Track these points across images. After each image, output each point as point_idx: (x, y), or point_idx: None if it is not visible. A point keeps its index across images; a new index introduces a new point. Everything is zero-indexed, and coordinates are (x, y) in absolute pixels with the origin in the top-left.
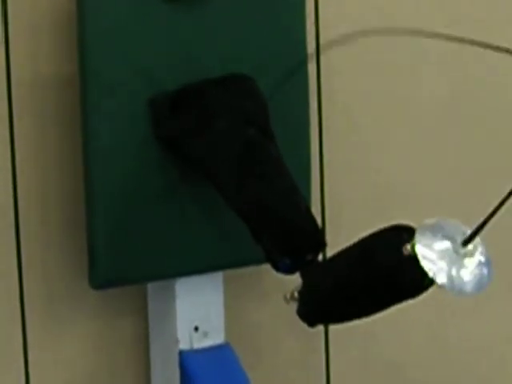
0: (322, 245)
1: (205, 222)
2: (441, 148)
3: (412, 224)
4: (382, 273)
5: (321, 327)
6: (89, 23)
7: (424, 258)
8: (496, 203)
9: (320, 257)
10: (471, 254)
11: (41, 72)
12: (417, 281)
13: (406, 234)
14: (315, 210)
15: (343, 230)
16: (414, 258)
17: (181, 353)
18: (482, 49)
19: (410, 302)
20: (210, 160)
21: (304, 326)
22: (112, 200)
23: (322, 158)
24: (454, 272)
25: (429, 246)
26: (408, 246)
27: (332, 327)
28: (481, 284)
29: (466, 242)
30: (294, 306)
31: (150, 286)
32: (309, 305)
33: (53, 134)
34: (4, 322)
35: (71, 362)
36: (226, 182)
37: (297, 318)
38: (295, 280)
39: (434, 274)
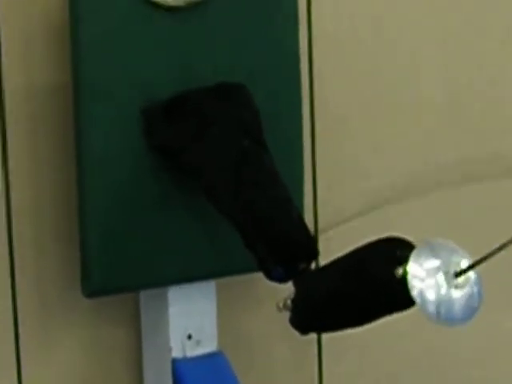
0: (314, 254)
1: (198, 231)
2: (436, 154)
3: (406, 237)
4: (372, 287)
5: (314, 335)
6: (82, 31)
7: (414, 286)
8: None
9: (313, 265)
10: (463, 286)
11: (33, 80)
12: (405, 301)
13: (399, 250)
14: (308, 218)
15: (336, 239)
16: (404, 283)
17: (174, 361)
18: (482, 51)
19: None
20: (203, 168)
21: (297, 334)
22: (105, 208)
23: (315, 169)
24: (443, 302)
25: (420, 273)
26: (400, 270)
27: (325, 335)
28: (470, 313)
29: (458, 274)
30: (286, 314)
31: (143, 295)
32: (301, 313)
33: (46, 142)
34: None
35: (64, 370)
36: (220, 190)
37: (290, 326)
38: (288, 288)
39: (423, 302)
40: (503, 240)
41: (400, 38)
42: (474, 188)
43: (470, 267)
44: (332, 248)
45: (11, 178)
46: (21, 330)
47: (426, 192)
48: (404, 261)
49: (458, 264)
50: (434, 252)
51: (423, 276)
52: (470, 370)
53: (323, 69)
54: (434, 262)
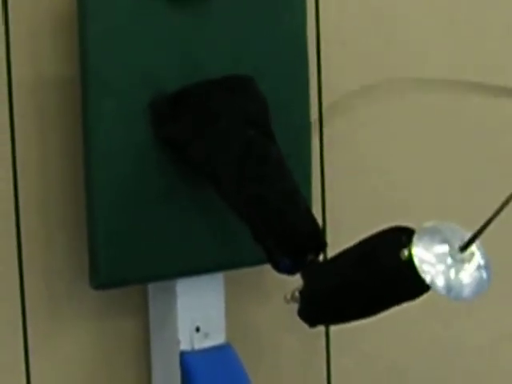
0: (322, 245)
1: (205, 223)
2: (442, 149)
3: (412, 226)
4: (382, 275)
5: (322, 327)
6: (89, 24)
7: (422, 262)
8: (495, 207)
9: (321, 257)
10: (469, 260)
11: (41, 73)
12: (415, 284)
13: (404, 236)
14: (316, 210)
15: (344, 230)
16: (411, 263)
17: (182, 353)
18: (482, 54)
19: (412, 303)
20: (210, 161)
21: (305, 326)
22: (113, 201)
23: (323, 159)
24: (452, 276)
25: (427, 250)
26: (405, 251)
27: (333, 328)
28: (479, 288)
29: (463, 248)
30: (294, 306)
31: (151, 287)
32: (310, 305)
33: (54, 135)
34: (5, 322)
35: (72, 362)
36: (227, 182)
37: (298, 318)
38: (296, 280)
39: (432, 278)
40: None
41: (409, 30)
42: (482, 183)
43: (473, 238)
44: (340, 239)
45: (19, 171)
46: (29, 322)
47: (434, 185)
48: (408, 244)
49: (462, 238)
50: (435, 230)
51: (427, 254)
52: (477, 361)
53: (331, 59)
54: (437, 239)
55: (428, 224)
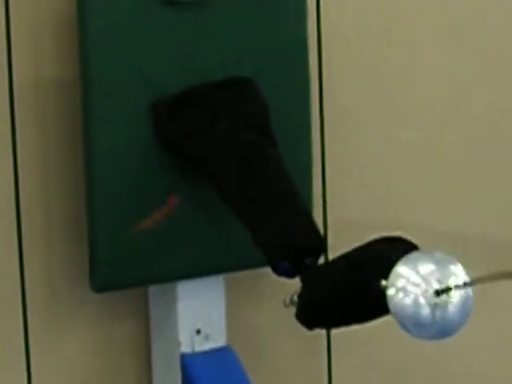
0: (321, 249)
1: (206, 225)
2: (442, 149)
3: (405, 236)
4: (363, 290)
5: (322, 330)
6: (89, 26)
7: (392, 301)
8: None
9: (321, 260)
10: (444, 305)
11: (42, 75)
12: (384, 311)
13: (394, 254)
14: (316, 211)
15: (345, 231)
16: (383, 297)
17: (182, 356)
18: (482, 51)
19: None
20: (210, 163)
21: (307, 330)
22: (113, 203)
23: (324, 160)
24: (433, 313)
25: (402, 288)
26: (383, 282)
27: (333, 330)
28: (463, 318)
29: (438, 293)
30: (294, 309)
31: (152, 289)
32: (306, 308)
33: (54, 135)
34: (6, 324)
35: (72, 364)
36: (227, 184)
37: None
38: (296, 283)
39: (399, 317)
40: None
41: (409, 31)
42: (480, 182)
43: (451, 288)
44: (341, 240)
45: (20, 172)
46: (30, 324)
47: (434, 185)
48: (388, 273)
49: (442, 280)
50: (417, 266)
51: (402, 292)
52: (476, 365)
53: (331, 59)
54: (416, 278)
55: (412, 256)
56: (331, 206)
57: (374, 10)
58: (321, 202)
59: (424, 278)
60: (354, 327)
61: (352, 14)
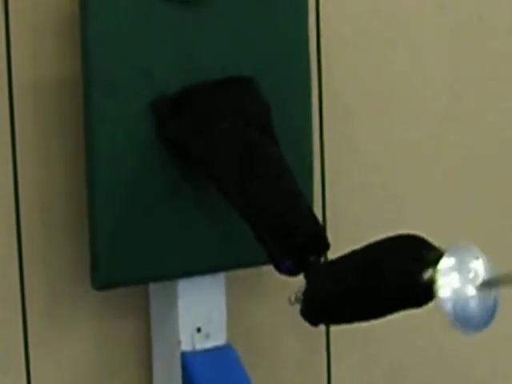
0: (325, 246)
1: (207, 223)
2: (443, 148)
3: (425, 236)
4: (394, 285)
5: (322, 328)
6: (91, 25)
7: (443, 292)
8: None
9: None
10: (484, 295)
11: (42, 74)
12: (427, 299)
13: (425, 251)
14: (316, 210)
15: (345, 231)
16: (431, 285)
17: (183, 354)
18: (482, 49)
19: None
20: (211, 161)
21: (306, 326)
22: (114, 201)
23: (324, 159)
24: (466, 306)
25: (449, 278)
26: (428, 273)
27: (333, 328)
28: (484, 324)
29: (482, 286)
30: (296, 307)
31: (152, 287)
32: (311, 305)
33: (55, 136)
34: (5, 322)
35: (72, 362)
36: (228, 183)
37: (299, 319)
38: (298, 281)
39: (448, 308)
40: None
41: (409, 31)
42: (481, 180)
43: (496, 281)
44: (341, 239)
45: (19, 171)
46: (29, 322)
47: (435, 185)
48: (431, 264)
49: (482, 272)
50: (459, 257)
51: (451, 282)
52: (477, 365)
53: (331, 59)
54: (461, 269)
55: (452, 249)
56: (331, 206)
57: (374, 10)
58: (320, 201)
59: (472, 270)
60: (355, 325)
61: (352, 14)
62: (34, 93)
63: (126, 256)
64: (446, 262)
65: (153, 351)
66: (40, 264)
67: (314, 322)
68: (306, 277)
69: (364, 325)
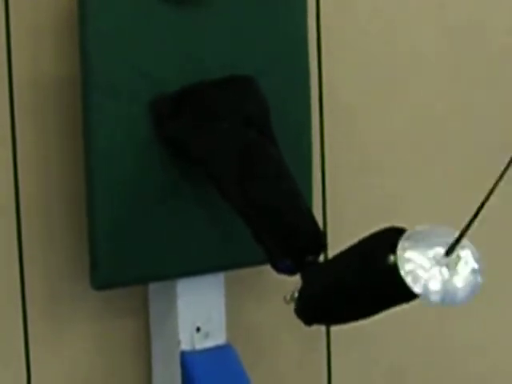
0: (322, 246)
1: (206, 223)
2: (443, 148)
3: (407, 227)
4: (372, 278)
5: (322, 328)
6: (90, 24)
7: (408, 268)
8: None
9: (321, 258)
10: (454, 264)
11: (42, 73)
12: (401, 289)
13: (394, 239)
14: (316, 210)
15: (345, 230)
16: (395, 268)
17: (182, 353)
18: (483, 49)
19: (411, 303)
20: (211, 161)
21: (305, 326)
22: (113, 201)
23: (324, 159)
24: (444, 280)
25: (417, 255)
26: (391, 256)
27: (333, 328)
28: (472, 291)
29: (448, 252)
30: (294, 306)
31: (152, 287)
32: (306, 304)
33: (54, 134)
34: (6, 322)
35: (72, 362)
36: (228, 183)
37: (298, 319)
38: (296, 281)
39: (425, 283)
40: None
41: (409, 31)
42: (481, 180)
43: (456, 242)
44: (341, 239)
45: (20, 170)
46: (30, 322)
47: (435, 185)
48: (395, 248)
49: (447, 243)
50: (424, 234)
51: (413, 259)
52: (475, 361)
53: (331, 59)
54: (427, 243)
55: (417, 228)
56: (331, 206)
57: (374, 10)
58: (320, 201)
59: (432, 246)
60: (354, 324)
61: (352, 14)
62: (34, 92)
63: (126, 256)
64: (408, 246)
65: (152, 350)
66: (40, 264)
67: (308, 321)
68: (303, 276)
69: (363, 325)
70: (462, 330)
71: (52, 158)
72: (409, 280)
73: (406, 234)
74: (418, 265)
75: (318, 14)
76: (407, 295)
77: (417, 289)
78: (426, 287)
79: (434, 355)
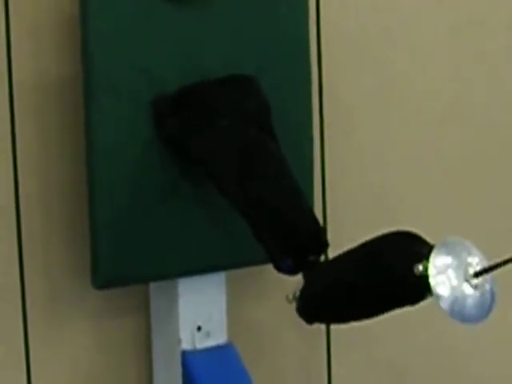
0: (324, 245)
1: (207, 222)
2: (443, 149)
3: (419, 233)
4: (388, 280)
5: (323, 327)
6: (91, 24)
7: (436, 280)
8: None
9: (322, 257)
10: (480, 286)
11: (43, 72)
12: (420, 296)
13: (417, 246)
14: (317, 209)
15: (345, 230)
16: (425, 279)
17: (183, 353)
18: (482, 49)
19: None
20: (211, 160)
21: (306, 325)
22: (114, 200)
23: (324, 158)
24: (460, 297)
25: (441, 270)
26: (420, 266)
27: (334, 327)
28: (482, 314)
29: (476, 275)
30: (296, 305)
31: (153, 286)
32: (308, 303)
33: (55, 134)
34: (6, 321)
35: (73, 362)
36: (228, 182)
37: (299, 317)
38: (297, 280)
39: (440, 299)
40: None
41: (409, 31)
42: (481, 180)
43: (490, 269)
44: (341, 238)
45: (20, 170)
46: (29, 322)
47: (435, 184)
48: (423, 258)
49: (475, 264)
50: (451, 251)
51: (442, 273)
52: (478, 362)
53: (331, 58)
54: (453, 262)
55: (442, 242)
56: (331, 206)
57: (374, 10)
58: (321, 201)
59: (463, 262)
60: (354, 324)
61: (352, 14)
62: (34, 92)
63: (127, 255)
64: (440, 259)
65: (153, 350)
66: (40, 263)
67: (310, 320)
68: (305, 275)
69: (364, 324)
70: (463, 330)
71: (52, 157)
72: (438, 291)
73: (437, 245)
74: (447, 277)
75: (318, 14)
76: (420, 300)
77: (443, 305)
78: (454, 304)
79: (434, 355)
